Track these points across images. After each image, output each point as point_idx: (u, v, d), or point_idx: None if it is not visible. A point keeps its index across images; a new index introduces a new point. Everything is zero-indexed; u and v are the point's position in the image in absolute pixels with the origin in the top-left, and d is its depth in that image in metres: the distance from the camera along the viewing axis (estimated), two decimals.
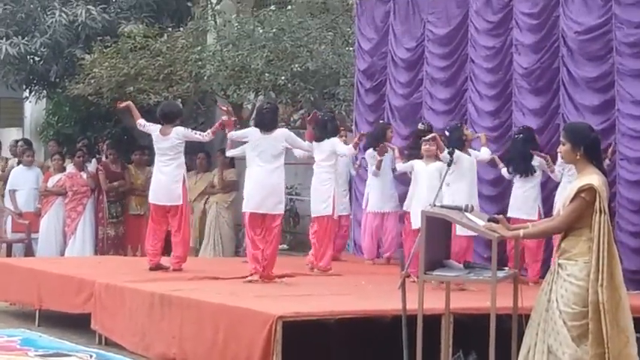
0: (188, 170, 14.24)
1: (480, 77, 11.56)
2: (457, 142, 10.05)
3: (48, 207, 15.12)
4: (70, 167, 15.33)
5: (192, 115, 16.40)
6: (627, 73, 10.11)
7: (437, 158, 10.12)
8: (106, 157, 15.65)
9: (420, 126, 11.29)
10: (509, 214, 10.06)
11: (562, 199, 6.68)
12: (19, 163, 15.98)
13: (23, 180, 15.57)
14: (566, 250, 6.46)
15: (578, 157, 6.52)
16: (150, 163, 15.79)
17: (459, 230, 9.12)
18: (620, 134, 10.15)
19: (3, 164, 16.61)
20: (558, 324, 6.34)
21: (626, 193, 10.08)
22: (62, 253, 14.96)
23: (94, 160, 15.77)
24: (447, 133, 10.32)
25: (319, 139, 11.12)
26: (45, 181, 15.32)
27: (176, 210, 10.86)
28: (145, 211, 15.53)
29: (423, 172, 10.21)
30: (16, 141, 17.51)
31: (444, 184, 9.00)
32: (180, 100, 15.68)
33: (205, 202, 14.94)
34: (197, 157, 15.02)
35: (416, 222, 9.98)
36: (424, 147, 10.23)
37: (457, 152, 9.87)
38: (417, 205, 9.84)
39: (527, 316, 6.65)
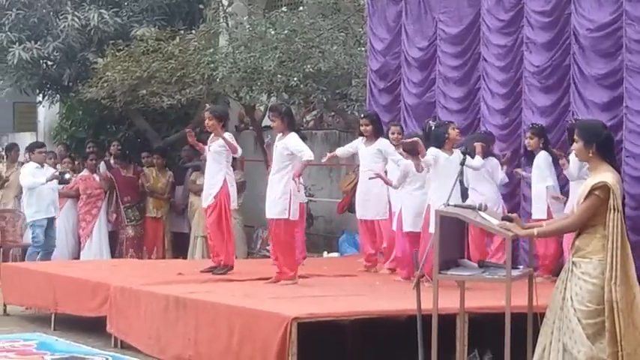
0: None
1: (492, 75, 11.55)
2: (437, 140, 9.98)
3: (59, 210, 15.17)
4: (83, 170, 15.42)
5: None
6: (636, 70, 10.08)
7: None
8: (114, 160, 15.75)
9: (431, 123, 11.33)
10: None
11: (576, 197, 6.66)
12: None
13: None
14: (580, 248, 6.44)
15: (590, 154, 6.52)
16: (167, 165, 15.91)
17: None
18: (627, 131, 10.12)
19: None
20: (573, 322, 6.32)
21: (631, 189, 10.02)
22: (75, 256, 15.00)
23: (102, 163, 15.81)
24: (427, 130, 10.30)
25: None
26: None
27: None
28: (163, 215, 15.63)
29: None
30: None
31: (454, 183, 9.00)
32: (192, 102, 15.73)
33: None
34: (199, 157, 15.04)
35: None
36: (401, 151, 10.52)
37: (436, 151, 9.84)
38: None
39: (543, 315, 6.64)
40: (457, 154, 9.69)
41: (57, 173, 14.31)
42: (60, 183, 14.51)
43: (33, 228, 14.18)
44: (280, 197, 9.97)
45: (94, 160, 15.33)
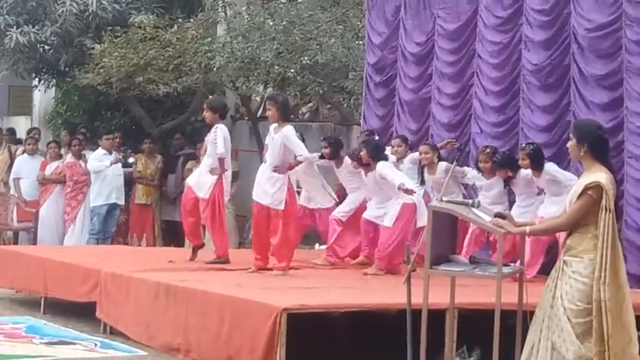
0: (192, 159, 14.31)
1: (486, 73, 11.54)
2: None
3: (47, 195, 15.09)
4: (68, 156, 15.32)
5: (202, 106, 16.39)
6: (636, 71, 10.07)
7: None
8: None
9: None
10: None
11: (569, 195, 6.67)
12: (23, 151, 16.00)
13: (27, 168, 15.58)
14: (571, 247, 6.45)
15: (582, 153, 6.53)
16: (160, 152, 15.85)
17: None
18: (628, 132, 10.11)
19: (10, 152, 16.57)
20: (562, 320, 6.33)
21: (634, 191, 10.05)
22: (62, 242, 14.96)
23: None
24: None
25: None
26: (42, 169, 15.27)
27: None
28: (152, 201, 15.58)
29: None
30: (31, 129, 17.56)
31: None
32: (188, 90, 15.70)
33: None
34: (196, 146, 14.95)
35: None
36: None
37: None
38: None
39: (532, 313, 6.65)
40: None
41: (120, 157, 14.52)
42: (124, 167, 14.75)
43: (92, 215, 14.54)
44: (278, 189, 9.99)
45: (77, 146, 15.18)
